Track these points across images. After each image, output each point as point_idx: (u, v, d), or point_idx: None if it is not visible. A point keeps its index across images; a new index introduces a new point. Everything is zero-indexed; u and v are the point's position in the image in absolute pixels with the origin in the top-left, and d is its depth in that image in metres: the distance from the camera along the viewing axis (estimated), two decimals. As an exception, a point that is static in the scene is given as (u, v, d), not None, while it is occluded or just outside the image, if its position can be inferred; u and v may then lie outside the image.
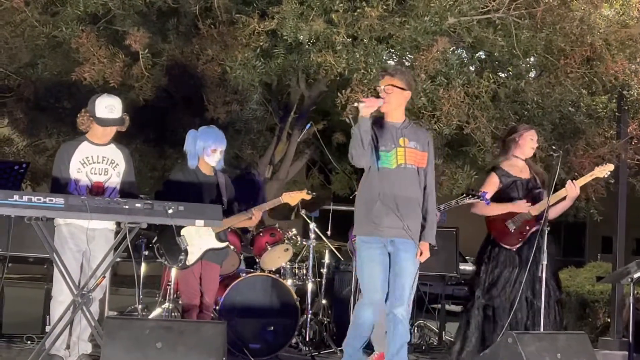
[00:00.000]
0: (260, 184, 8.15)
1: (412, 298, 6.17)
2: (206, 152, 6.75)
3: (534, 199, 6.85)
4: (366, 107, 5.73)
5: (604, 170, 6.86)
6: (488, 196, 6.83)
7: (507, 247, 6.86)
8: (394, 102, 5.98)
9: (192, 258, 6.72)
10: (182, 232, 6.61)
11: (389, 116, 6.05)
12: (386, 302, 5.87)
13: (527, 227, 6.80)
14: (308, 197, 7.24)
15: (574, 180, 6.79)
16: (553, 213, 6.76)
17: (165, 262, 6.83)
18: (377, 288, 5.82)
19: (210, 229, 6.64)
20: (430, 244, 6.04)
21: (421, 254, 5.97)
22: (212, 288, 6.90)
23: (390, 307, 5.85)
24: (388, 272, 5.86)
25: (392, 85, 5.96)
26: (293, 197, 7.20)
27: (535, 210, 6.79)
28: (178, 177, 6.87)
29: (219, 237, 6.77)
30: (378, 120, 6.00)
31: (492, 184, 6.97)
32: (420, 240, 5.97)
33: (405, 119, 6.11)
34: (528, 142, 6.93)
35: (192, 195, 6.50)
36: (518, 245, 6.82)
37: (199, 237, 6.72)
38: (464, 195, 6.86)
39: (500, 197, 6.96)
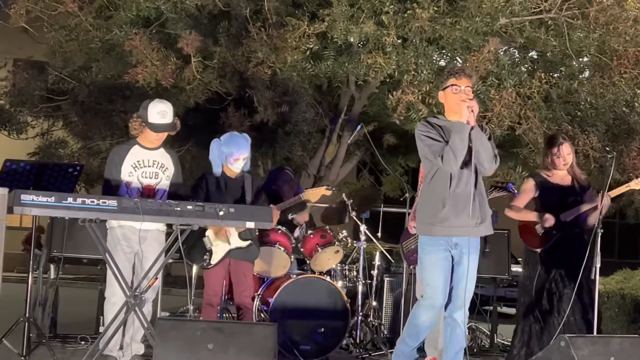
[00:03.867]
0: (294, 181, 8.11)
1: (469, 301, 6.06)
2: (229, 160, 6.76)
3: (569, 206, 6.81)
4: (472, 115, 5.52)
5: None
6: (520, 203, 6.85)
7: (533, 249, 6.91)
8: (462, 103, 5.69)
9: (215, 258, 6.75)
10: (207, 232, 6.67)
11: (449, 116, 5.75)
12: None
13: (554, 232, 6.78)
14: (328, 193, 7.26)
15: (608, 192, 6.73)
16: (592, 220, 6.73)
17: (189, 262, 6.85)
18: (439, 292, 5.66)
19: (234, 229, 6.66)
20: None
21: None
22: (247, 285, 6.89)
23: (449, 311, 5.74)
24: (450, 275, 5.69)
25: (469, 86, 5.70)
26: (314, 194, 7.25)
27: (565, 216, 6.77)
28: (209, 176, 6.91)
29: (241, 237, 6.78)
30: (439, 121, 5.77)
31: (528, 190, 6.96)
32: None
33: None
34: (557, 160, 6.86)
35: (215, 195, 6.56)
36: (543, 248, 6.84)
37: (222, 237, 6.75)
38: (492, 188, 6.85)
39: (538, 201, 6.96)
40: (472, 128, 5.52)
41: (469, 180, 5.60)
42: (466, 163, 5.58)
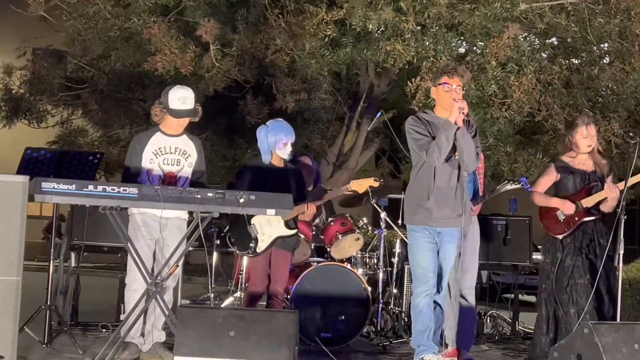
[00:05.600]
0: (312, 167, 8.08)
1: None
2: (278, 145, 6.77)
3: (590, 192, 6.77)
4: (460, 115, 5.83)
5: None
6: (541, 188, 6.89)
7: (553, 235, 6.86)
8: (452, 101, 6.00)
9: (262, 246, 6.74)
10: (253, 220, 6.65)
11: (438, 112, 6.12)
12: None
13: (576, 218, 6.74)
14: (376, 184, 7.22)
15: (617, 183, 6.69)
16: (604, 208, 6.70)
17: (237, 251, 6.88)
18: (430, 271, 6.02)
19: (280, 217, 6.66)
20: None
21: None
22: (282, 275, 6.91)
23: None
24: (437, 257, 6.08)
25: (460, 85, 6.04)
26: (361, 185, 7.19)
27: (587, 202, 6.72)
28: (253, 163, 6.94)
29: (288, 225, 6.78)
30: (428, 116, 6.13)
31: (548, 175, 6.95)
32: None
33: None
34: (581, 141, 6.79)
35: (265, 184, 6.51)
36: (564, 235, 6.79)
37: (269, 225, 6.75)
38: (505, 181, 6.91)
39: (557, 187, 6.94)
40: (458, 128, 5.87)
41: (452, 174, 6.05)
42: (449, 159, 6.00)
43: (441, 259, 6.09)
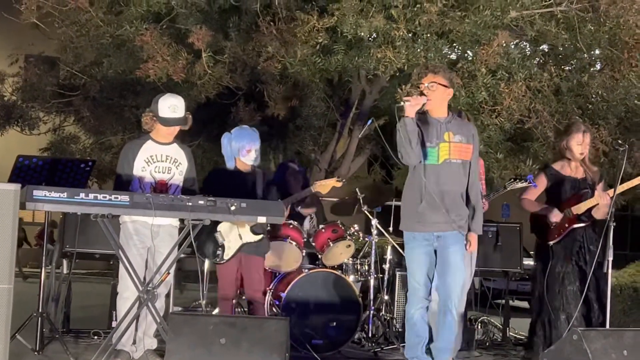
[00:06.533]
0: (303, 174, 8.15)
1: (466, 290, 6.45)
2: (242, 152, 6.84)
3: (580, 199, 6.82)
4: (411, 106, 5.78)
5: None
6: (532, 195, 6.98)
7: (544, 241, 6.96)
8: (437, 99, 5.98)
9: (229, 253, 6.79)
10: (219, 227, 6.71)
11: (432, 113, 6.04)
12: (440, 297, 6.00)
13: (567, 225, 6.80)
14: (339, 185, 7.36)
15: (607, 190, 6.76)
16: (595, 215, 6.75)
17: (202, 257, 6.90)
18: (422, 283, 5.95)
19: (246, 224, 6.69)
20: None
21: (470, 245, 6.04)
22: (256, 280, 6.94)
23: (441, 302, 5.96)
24: (434, 267, 5.97)
25: (435, 82, 5.98)
26: (324, 186, 7.32)
27: (577, 209, 6.80)
28: (221, 168, 7.01)
29: (253, 231, 6.81)
30: (422, 117, 6.00)
31: (539, 182, 7.04)
32: (468, 231, 6.03)
33: (449, 114, 6.10)
34: (575, 147, 6.87)
35: (228, 189, 6.58)
36: (554, 241, 6.86)
37: (235, 232, 6.78)
38: (512, 179, 6.95)
39: (548, 193, 7.02)
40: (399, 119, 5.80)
41: (446, 177, 5.93)
42: (446, 161, 5.93)
43: (443, 264, 5.94)
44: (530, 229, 7.14)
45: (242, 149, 6.84)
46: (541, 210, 6.92)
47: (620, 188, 6.62)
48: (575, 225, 6.82)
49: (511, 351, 8.07)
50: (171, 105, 6.34)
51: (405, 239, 6.11)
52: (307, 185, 7.84)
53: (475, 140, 6.10)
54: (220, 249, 6.76)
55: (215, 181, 6.85)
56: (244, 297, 7.24)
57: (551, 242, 6.87)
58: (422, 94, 5.93)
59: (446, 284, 5.92)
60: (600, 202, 6.69)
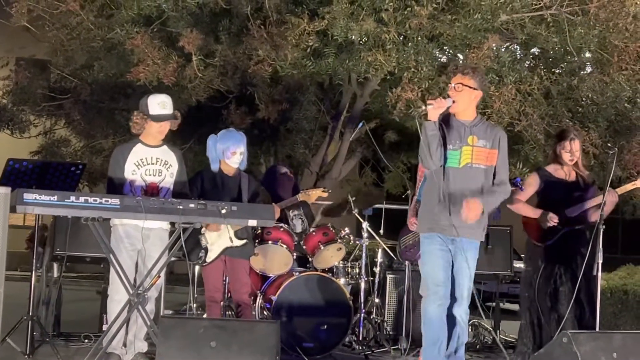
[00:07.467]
0: (286, 175, 8.20)
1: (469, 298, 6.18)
2: (226, 155, 6.85)
3: (573, 202, 6.85)
4: (434, 109, 5.59)
5: None
6: (523, 197, 6.95)
7: (536, 243, 6.98)
8: (463, 101, 5.78)
9: (211, 255, 6.82)
10: (203, 230, 6.72)
11: (458, 115, 5.84)
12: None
13: (559, 227, 6.83)
14: (325, 195, 7.48)
15: (615, 189, 6.78)
16: (594, 217, 6.76)
17: (186, 260, 6.90)
18: (441, 282, 5.74)
19: (230, 227, 6.69)
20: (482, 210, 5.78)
21: (468, 207, 5.70)
22: (242, 283, 6.96)
23: (450, 308, 5.80)
24: (450, 269, 5.80)
25: (462, 83, 5.78)
26: (310, 195, 7.44)
27: (570, 212, 6.82)
28: (207, 170, 6.99)
29: (236, 235, 6.82)
30: (446, 118, 5.80)
31: (532, 184, 7.03)
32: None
33: (477, 117, 5.91)
34: (564, 154, 6.91)
35: (211, 193, 6.64)
36: (547, 243, 6.89)
37: (219, 235, 6.79)
38: None
39: (541, 196, 7.03)
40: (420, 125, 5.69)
41: (462, 181, 5.74)
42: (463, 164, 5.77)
43: (456, 268, 5.79)
44: (523, 228, 7.14)
45: (227, 151, 6.85)
46: (533, 213, 6.91)
47: (594, 200, 6.73)
48: (568, 228, 6.84)
49: (501, 354, 8.07)
50: (160, 102, 6.39)
51: (422, 240, 5.94)
52: (297, 188, 7.87)
53: (502, 144, 5.89)
54: (203, 251, 6.78)
55: (197, 182, 6.87)
56: (232, 300, 7.25)
57: (544, 244, 6.89)
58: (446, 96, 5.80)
59: (456, 291, 5.79)
60: (609, 199, 6.66)
